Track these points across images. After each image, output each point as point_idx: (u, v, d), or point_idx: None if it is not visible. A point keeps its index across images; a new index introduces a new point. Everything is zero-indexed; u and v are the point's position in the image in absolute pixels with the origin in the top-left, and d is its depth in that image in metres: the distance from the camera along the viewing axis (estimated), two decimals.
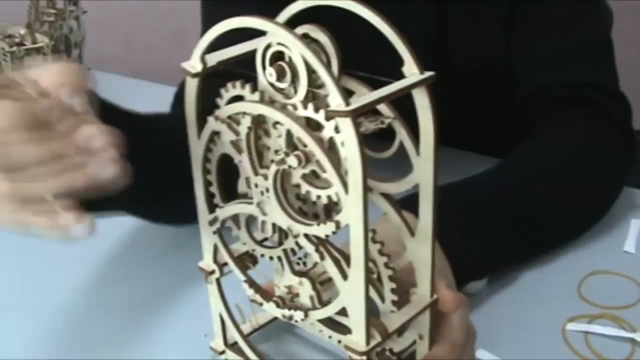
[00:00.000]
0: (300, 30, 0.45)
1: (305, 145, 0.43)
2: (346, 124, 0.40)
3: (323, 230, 0.45)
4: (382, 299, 0.49)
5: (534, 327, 0.63)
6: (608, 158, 0.78)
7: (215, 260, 0.54)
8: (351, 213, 0.42)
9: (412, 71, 0.43)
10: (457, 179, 0.70)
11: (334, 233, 0.44)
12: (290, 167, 0.44)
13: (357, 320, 0.45)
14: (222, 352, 0.58)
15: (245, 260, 0.54)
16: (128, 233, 0.77)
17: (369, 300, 0.45)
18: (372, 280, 0.48)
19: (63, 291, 0.68)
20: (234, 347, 0.58)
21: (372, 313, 0.46)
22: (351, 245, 0.43)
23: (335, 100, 0.40)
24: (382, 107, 0.47)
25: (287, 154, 0.44)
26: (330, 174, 0.42)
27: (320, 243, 0.46)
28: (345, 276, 0.45)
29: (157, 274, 0.71)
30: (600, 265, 0.71)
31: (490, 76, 0.89)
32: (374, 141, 0.46)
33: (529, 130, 0.84)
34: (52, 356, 0.61)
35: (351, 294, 0.45)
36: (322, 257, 0.46)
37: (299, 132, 0.43)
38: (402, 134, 0.46)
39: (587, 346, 0.61)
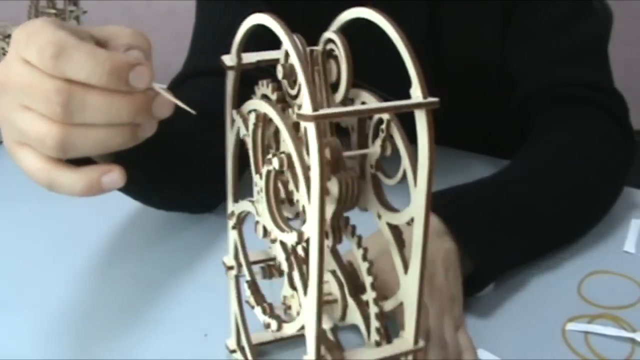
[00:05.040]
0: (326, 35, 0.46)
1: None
2: (310, 129, 0.39)
3: (289, 238, 0.43)
4: (368, 331, 0.47)
5: (534, 327, 0.63)
6: (612, 156, 0.78)
7: (236, 257, 0.54)
8: (311, 225, 0.40)
9: (416, 94, 0.42)
10: (457, 179, 0.70)
11: (297, 244, 0.43)
12: (274, 168, 0.43)
13: (309, 338, 0.43)
14: (233, 351, 0.58)
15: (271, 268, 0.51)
16: (128, 233, 0.77)
17: (320, 320, 0.43)
18: (362, 305, 0.48)
19: (62, 291, 0.68)
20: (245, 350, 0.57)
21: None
22: (310, 260, 0.41)
23: (305, 105, 0.40)
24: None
25: (273, 155, 0.43)
26: (299, 178, 0.41)
27: (292, 252, 0.44)
28: (306, 292, 0.43)
29: (157, 274, 0.71)
30: (600, 265, 0.71)
31: (485, 76, 0.89)
32: (387, 165, 0.46)
33: (527, 129, 0.84)
34: (51, 356, 0.61)
35: (307, 311, 0.43)
36: (290, 268, 0.45)
37: (283, 132, 0.42)
38: (405, 162, 0.45)
39: (587, 346, 0.61)
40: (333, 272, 0.48)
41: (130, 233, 0.77)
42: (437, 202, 0.61)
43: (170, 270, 0.71)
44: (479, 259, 0.64)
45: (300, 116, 0.40)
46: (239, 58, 0.49)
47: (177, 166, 0.69)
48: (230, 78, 0.50)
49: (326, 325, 0.47)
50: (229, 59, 0.50)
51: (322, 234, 0.40)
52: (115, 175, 0.47)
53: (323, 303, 0.45)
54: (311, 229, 0.40)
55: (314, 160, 0.39)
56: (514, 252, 0.68)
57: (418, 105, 0.41)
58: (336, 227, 0.46)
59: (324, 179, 0.39)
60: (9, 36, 1.02)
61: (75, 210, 0.78)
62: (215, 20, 0.85)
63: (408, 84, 0.42)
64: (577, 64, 0.83)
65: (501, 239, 0.66)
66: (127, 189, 0.65)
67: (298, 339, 0.56)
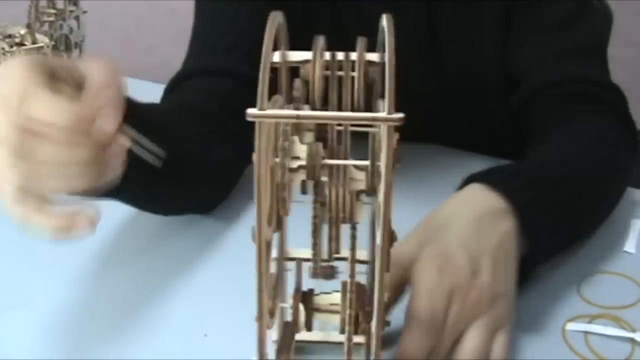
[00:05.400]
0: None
1: None
2: (256, 127, 0.40)
3: None
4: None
5: (534, 327, 0.63)
6: (622, 152, 0.79)
7: None
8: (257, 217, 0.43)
9: (384, 108, 0.41)
10: (456, 179, 0.70)
11: None
12: None
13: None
14: None
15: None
16: (128, 234, 0.77)
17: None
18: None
19: (61, 291, 0.68)
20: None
21: None
22: None
23: (258, 104, 0.40)
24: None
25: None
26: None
27: None
28: None
29: (157, 275, 0.70)
30: (600, 265, 0.71)
31: (485, 75, 0.89)
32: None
33: (527, 128, 0.84)
34: (50, 356, 0.61)
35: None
36: None
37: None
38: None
39: (587, 346, 0.61)
40: None
41: (130, 234, 0.77)
42: (492, 179, 0.60)
43: (170, 271, 0.71)
44: (535, 238, 0.62)
45: (246, 114, 0.41)
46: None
47: (176, 172, 0.69)
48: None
49: None
50: (277, 56, 0.48)
51: (260, 229, 0.41)
52: (84, 221, 0.49)
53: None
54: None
55: (256, 158, 0.40)
56: (561, 236, 0.68)
57: (375, 119, 0.40)
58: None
59: (259, 176, 0.41)
60: (9, 36, 1.02)
61: None
62: (214, 21, 0.85)
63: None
64: (584, 62, 0.83)
65: (554, 220, 0.65)
66: (125, 197, 0.65)
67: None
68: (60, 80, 0.50)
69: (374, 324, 0.47)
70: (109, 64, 0.51)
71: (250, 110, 0.40)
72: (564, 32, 0.83)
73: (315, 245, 0.46)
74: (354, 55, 0.45)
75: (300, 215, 0.49)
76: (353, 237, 0.47)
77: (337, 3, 0.81)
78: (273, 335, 0.56)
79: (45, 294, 0.68)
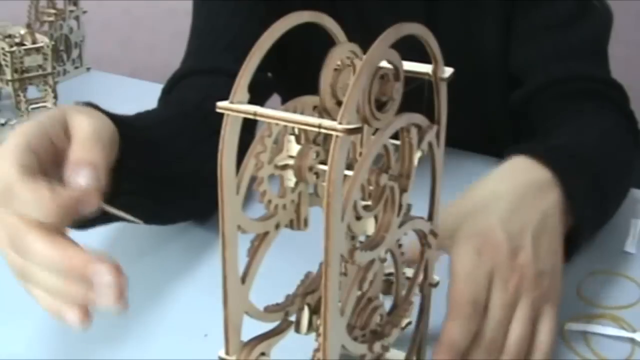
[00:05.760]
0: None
1: None
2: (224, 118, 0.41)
3: None
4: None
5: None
6: (631, 149, 0.79)
7: None
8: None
9: (339, 118, 0.39)
10: (455, 179, 0.69)
11: None
12: None
13: None
14: None
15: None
16: (127, 233, 0.77)
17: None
18: None
19: None
20: None
21: None
22: None
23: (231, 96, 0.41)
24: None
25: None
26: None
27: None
28: None
29: (157, 275, 0.71)
30: (600, 265, 0.71)
31: (485, 75, 0.89)
32: None
33: (527, 128, 0.84)
34: (51, 356, 0.61)
35: None
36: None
37: None
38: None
39: (587, 346, 0.61)
40: None
41: (130, 234, 0.77)
42: (536, 151, 0.61)
43: (170, 271, 0.71)
44: (582, 210, 0.61)
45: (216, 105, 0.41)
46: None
47: (170, 193, 0.69)
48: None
49: None
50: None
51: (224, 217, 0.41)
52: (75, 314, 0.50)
53: None
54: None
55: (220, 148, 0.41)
56: (602, 212, 0.67)
57: (320, 126, 0.38)
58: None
59: (240, 176, 0.41)
60: (9, 36, 1.02)
61: None
62: (212, 20, 0.85)
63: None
64: (584, 59, 0.83)
65: (597, 195, 0.65)
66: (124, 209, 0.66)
67: None
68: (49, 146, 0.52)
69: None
70: (92, 125, 0.54)
71: (221, 103, 0.41)
72: (565, 31, 0.83)
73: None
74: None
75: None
76: None
77: (335, 3, 0.81)
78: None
79: None
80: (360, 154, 0.48)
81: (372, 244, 0.44)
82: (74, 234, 0.78)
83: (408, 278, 0.51)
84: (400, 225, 0.46)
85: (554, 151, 0.65)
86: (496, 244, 0.55)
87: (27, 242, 0.48)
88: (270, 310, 0.47)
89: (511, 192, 0.59)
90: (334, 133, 0.37)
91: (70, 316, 0.49)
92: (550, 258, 0.58)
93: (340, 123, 0.37)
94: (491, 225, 0.56)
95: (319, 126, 0.38)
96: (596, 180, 0.66)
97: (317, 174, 0.45)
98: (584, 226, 0.63)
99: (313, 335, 0.49)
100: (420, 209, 0.53)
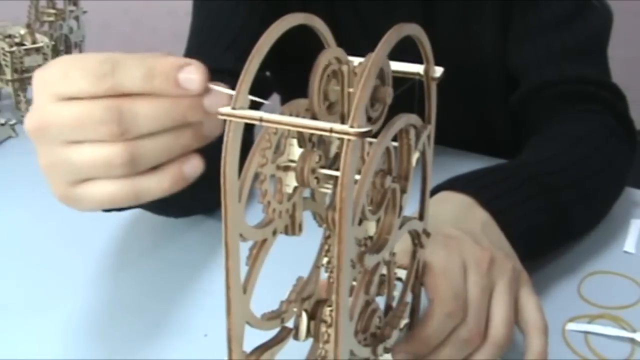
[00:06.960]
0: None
1: None
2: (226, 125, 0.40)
3: None
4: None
5: None
6: (618, 152, 0.79)
7: None
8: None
9: (349, 122, 0.39)
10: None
11: None
12: None
13: None
14: None
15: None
16: (127, 233, 0.77)
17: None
18: None
19: (61, 291, 0.68)
20: None
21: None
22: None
23: (232, 102, 0.41)
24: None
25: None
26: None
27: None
28: None
29: (157, 275, 0.71)
30: (600, 265, 0.71)
31: (483, 75, 0.89)
32: None
33: (526, 128, 0.84)
34: (51, 356, 0.61)
35: None
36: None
37: None
38: None
39: (587, 346, 0.61)
40: None
41: (131, 235, 0.77)
42: (459, 182, 0.61)
43: (171, 271, 0.71)
44: (511, 229, 0.62)
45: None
46: None
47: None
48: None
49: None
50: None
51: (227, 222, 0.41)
52: (194, 161, 0.47)
53: None
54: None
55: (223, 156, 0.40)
56: (539, 230, 0.66)
57: (332, 130, 0.38)
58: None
59: (226, 178, 0.41)
60: (9, 36, 1.02)
61: (77, 215, 0.78)
62: (212, 19, 0.86)
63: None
64: (580, 61, 0.83)
65: (528, 214, 0.65)
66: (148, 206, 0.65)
67: None
68: None
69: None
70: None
71: (223, 109, 0.40)
72: (563, 31, 0.83)
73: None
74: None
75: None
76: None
77: (335, 3, 0.81)
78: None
79: (45, 294, 0.68)
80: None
81: (377, 247, 0.44)
82: (89, 222, 0.79)
83: (398, 279, 0.52)
84: (400, 226, 0.46)
85: (473, 182, 0.66)
86: (457, 236, 0.57)
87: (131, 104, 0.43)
88: (267, 317, 0.47)
89: (449, 210, 0.61)
90: (345, 137, 0.37)
91: (189, 166, 0.46)
92: (507, 247, 0.60)
93: (351, 127, 0.37)
94: (445, 226, 0.58)
95: (331, 130, 0.37)
96: (532, 199, 0.66)
97: (317, 179, 0.45)
98: (517, 244, 0.63)
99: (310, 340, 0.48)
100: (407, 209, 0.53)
